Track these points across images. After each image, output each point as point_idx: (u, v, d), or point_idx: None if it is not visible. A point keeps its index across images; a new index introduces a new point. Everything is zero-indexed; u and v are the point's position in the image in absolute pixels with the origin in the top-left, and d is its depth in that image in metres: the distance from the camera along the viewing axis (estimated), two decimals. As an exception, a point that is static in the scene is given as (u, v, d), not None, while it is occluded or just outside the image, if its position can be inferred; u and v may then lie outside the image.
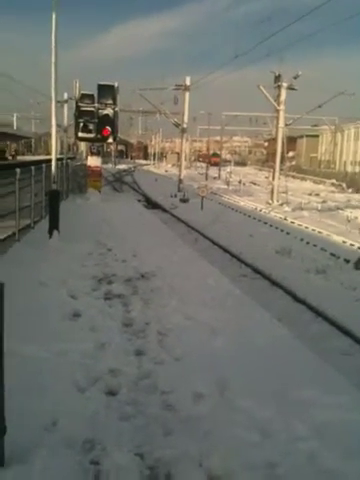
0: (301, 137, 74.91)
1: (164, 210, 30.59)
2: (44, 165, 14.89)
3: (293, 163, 52.05)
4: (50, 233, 12.18)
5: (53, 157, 12.43)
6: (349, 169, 60.96)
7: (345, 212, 33.83)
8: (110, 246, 12.29)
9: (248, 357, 5.50)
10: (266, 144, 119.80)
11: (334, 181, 57.41)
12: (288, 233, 23.19)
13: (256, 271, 15.82)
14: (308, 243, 20.84)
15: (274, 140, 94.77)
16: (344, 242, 22.02)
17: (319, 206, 31.40)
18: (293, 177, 40.11)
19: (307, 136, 75.28)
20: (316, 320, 11.11)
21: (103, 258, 10.96)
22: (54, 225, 12.23)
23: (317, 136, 74.11)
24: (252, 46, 23.42)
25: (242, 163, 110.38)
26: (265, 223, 26.34)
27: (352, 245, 21.21)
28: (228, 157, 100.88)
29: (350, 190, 52.04)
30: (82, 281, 8.71)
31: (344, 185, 53.76)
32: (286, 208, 33.45)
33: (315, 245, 20.29)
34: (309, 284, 14.49)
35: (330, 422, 4.30)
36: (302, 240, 21.43)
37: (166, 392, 4.74)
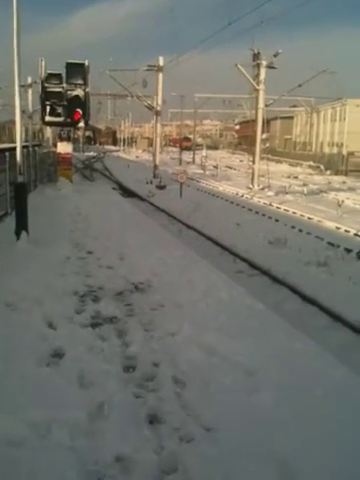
0: (275, 119, 73.32)
1: (141, 198, 28.73)
2: (7, 154, 12.80)
3: (267, 145, 50.42)
4: (17, 234, 10.17)
5: (18, 145, 10.38)
6: (326, 151, 59.74)
7: (329, 195, 32.64)
8: (90, 247, 10.38)
9: (315, 426, 3.77)
10: (237, 127, 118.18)
11: (311, 163, 56.14)
12: (277, 220, 21.62)
13: (253, 266, 14.20)
14: (301, 231, 19.32)
15: (247, 123, 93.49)
16: (338, 228, 20.62)
17: (305, 190, 29.90)
18: (268, 159, 38.77)
19: (281, 118, 73.81)
20: (335, 326, 9.57)
21: (84, 264, 9.04)
22: (22, 225, 10.23)
23: (291, 118, 72.70)
24: (245, 13, 21.25)
25: (214, 147, 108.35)
26: (250, 210, 24.73)
27: (347, 231, 19.80)
28: (199, 141, 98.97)
29: (328, 172, 50.88)
30: (61, 299, 6.82)
31: (322, 167, 52.52)
32: (269, 193, 31.93)
33: (309, 233, 18.79)
34: (314, 280, 12.96)
35: None
36: (294, 228, 19.89)
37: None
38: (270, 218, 22.19)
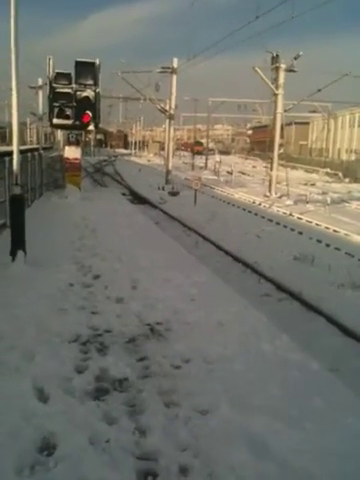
0: (289, 124, 71.71)
1: (153, 206, 27.33)
2: (7, 159, 11.37)
3: (281, 151, 48.86)
4: (13, 254, 8.70)
5: (15, 149, 8.86)
6: (344, 157, 57.92)
7: (352, 205, 31.03)
8: (97, 270, 8.86)
9: None
10: (250, 132, 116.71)
11: (328, 170, 54.37)
12: (300, 233, 20.02)
13: (281, 288, 12.66)
14: (328, 246, 17.73)
15: (260, 128, 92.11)
16: (368, 243, 18.97)
17: (328, 200, 28.30)
18: (283, 166, 37.39)
19: (296, 123, 72.13)
20: None
21: (89, 294, 7.52)
22: (18, 243, 8.75)
23: (307, 123, 71.03)
24: (274, 5, 19.36)
25: (226, 152, 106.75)
26: (270, 220, 23.15)
27: (379, 247, 18.19)
28: (211, 146, 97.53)
29: (347, 180, 49.14)
30: (58, 350, 5.30)
31: (340, 174, 50.74)
32: (287, 201, 30.34)
33: (338, 249, 17.18)
34: (351, 306, 11.39)
35: None
36: (320, 242, 18.30)
37: None
38: (293, 230, 20.61)
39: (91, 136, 76.76)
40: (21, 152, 11.23)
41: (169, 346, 5.58)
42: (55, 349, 5.32)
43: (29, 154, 18.66)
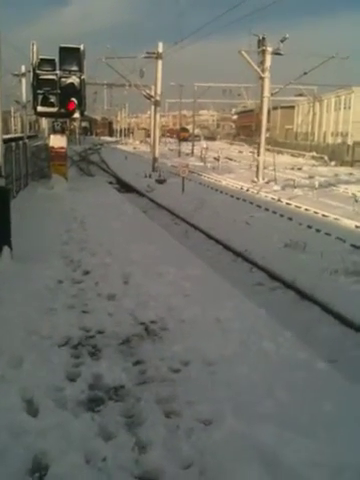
0: (275, 108, 71.19)
1: (140, 194, 26.98)
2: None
3: (267, 135, 48.54)
4: (-3, 250, 8.34)
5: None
6: (330, 141, 57.69)
7: (339, 189, 30.94)
8: (87, 265, 8.51)
9: None
10: (235, 117, 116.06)
11: (314, 154, 54.18)
12: (290, 218, 19.83)
13: (273, 276, 12.45)
14: (319, 231, 17.58)
15: (245, 113, 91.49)
16: (358, 227, 18.89)
17: (316, 184, 28.11)
18: (269, 150, 37.24)
19: (282, 107, 71.62)
20: None
21: (79, 291, 7.18)
22: (3, 238, 8.38)
23: (292, 107, 70.58)
24: None
25: (212, 138, 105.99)
26: (258, 206, 22.94)
27: (371, 231, 18.06)
28: (197, 132, 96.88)
29: (333, 163, 49.02)
30: (48, 355, 4.98)
31: (326, 158, 50.58)
32: (275, 187, 30.15)
33: (328, 234, 17.01)
34: (347, 294, 11.22)
35: None
36: (310, 228, 18.14)
37: None
38: (282, 216, 20.40)
39: (76, 124, 75.68)
40: (5, 141, 10.81)
41: (166, 347, 5.27)
42: (45, 354, 4.98)
43: (12, 144, 18.12)
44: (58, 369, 4.69)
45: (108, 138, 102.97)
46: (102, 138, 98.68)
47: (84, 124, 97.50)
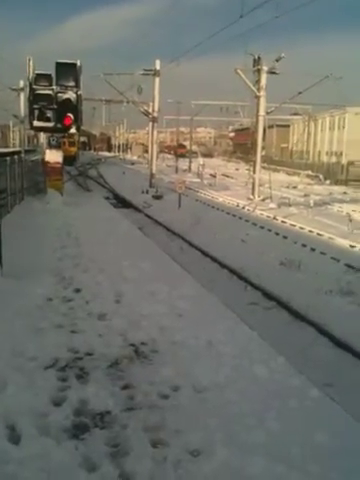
0: (271, 127, 71.63)
1: (137, 209, 26.98)
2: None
3: (263, 154, 48.86)
4: (-12, 267, 8.22)
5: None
6: (324, 159, 58.05)
7: (334, 207, 30.99)
8: (79, 283, 8.39)
9: None
10: (232, 135, 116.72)
11: (310, 172, 54.41)
12: (285, 237, 19.75)
13: (268, 296, 12.36)
14: (313, 250, 17.50)
15: (242, 131, 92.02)
16: (352, 247, 18.83)
17: (311, 202, 28.16)
18: (265, 168, 37.38)
19: (277, 126, 72.09)
20: None
21: (69, 310, 7.05)
22: (-6, 255, 8.29)
23: (288, 126, 71.03)
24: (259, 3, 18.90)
25: (208, 155, 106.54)
26: (254, 224, 22.90)
27: (363, 251, 18.01)
28: (194, 148, 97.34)
29: (328, 182, 49.26)
30: (33, 377, 4.82)
31: (321, 176, 50.82)
32: (271, 204, 30.18)
33: (323, 253, 16.92)
34: (341, 314, 11.14)
35: None
36: (305, 246, 18.06)
37: None
38: (277, 234, 20.34)
39: (75, 138, 75.81)
40: (2, 155, 10.70)
41: (155, 371, 5.12)
42: (30, 377, 4.83)
43: (8, 158, 18.07)
44: (43, 393, 4.54)
45: (106, 153, 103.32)
46: (100, 153, 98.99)
47: (83, 139, 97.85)
